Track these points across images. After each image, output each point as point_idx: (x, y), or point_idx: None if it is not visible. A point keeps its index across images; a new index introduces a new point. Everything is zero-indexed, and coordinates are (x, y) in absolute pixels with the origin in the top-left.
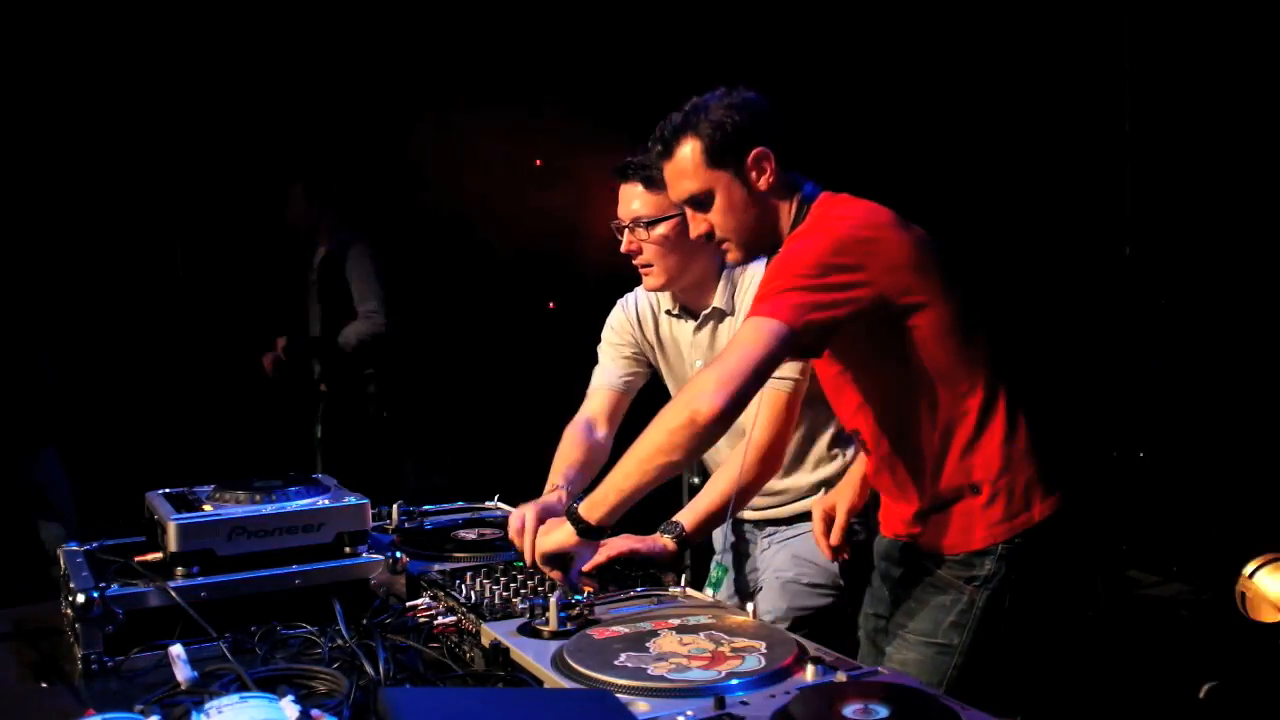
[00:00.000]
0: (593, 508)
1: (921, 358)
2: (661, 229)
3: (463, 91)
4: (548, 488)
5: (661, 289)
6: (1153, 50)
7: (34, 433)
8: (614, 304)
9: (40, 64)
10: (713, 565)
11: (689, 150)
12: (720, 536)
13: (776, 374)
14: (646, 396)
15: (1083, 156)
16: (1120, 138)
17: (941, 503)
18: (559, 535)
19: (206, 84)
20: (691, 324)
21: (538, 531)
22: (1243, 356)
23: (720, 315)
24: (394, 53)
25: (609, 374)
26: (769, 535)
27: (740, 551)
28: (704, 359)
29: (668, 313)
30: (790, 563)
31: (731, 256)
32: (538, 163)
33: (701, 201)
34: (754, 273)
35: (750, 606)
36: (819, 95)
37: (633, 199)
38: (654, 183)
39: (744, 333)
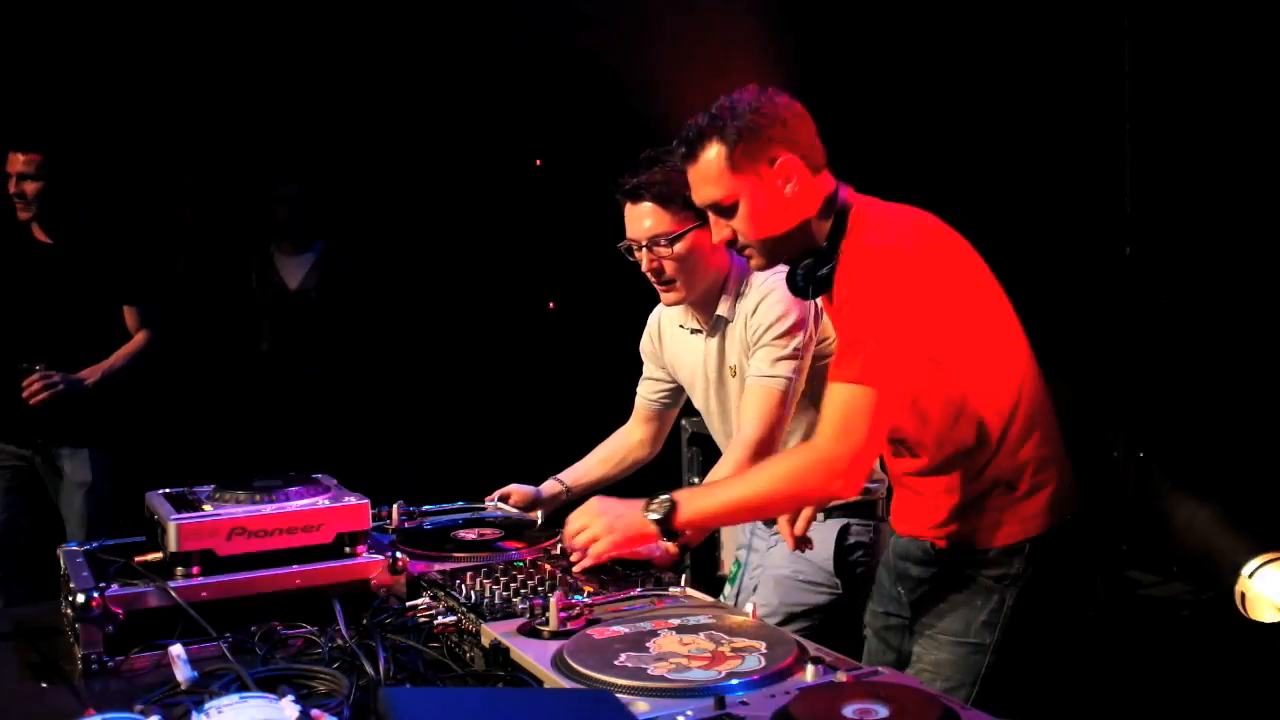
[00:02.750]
0: (690, 504)
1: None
2: (683, 244)
3: (462, 91)
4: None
5: (683, 303)
6: (1153, 50)
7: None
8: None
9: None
10: (733, 561)
11: (714, 154)
12: (736, 533)
13: (771, 372)
14: None
15: (1083, 156)
16: (1120, 138)
17: (977, 498)
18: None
19: (208, 86)
20: (702, 334)
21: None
22: (1243, 356)
23: (724, 323)
24: (393, 52)
25: (641, 388)
26: (775, 533)
27: (751, 549)
28: (714, 368)
29: (680, 327)
30: (787, 559)
31: (754, 263)
32: (538, 162)
33: (725, 208)
34: (757, 281)
35: (750, 606)
36: (817, 96)
37: (645, 218)
38: (669, 198)
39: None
